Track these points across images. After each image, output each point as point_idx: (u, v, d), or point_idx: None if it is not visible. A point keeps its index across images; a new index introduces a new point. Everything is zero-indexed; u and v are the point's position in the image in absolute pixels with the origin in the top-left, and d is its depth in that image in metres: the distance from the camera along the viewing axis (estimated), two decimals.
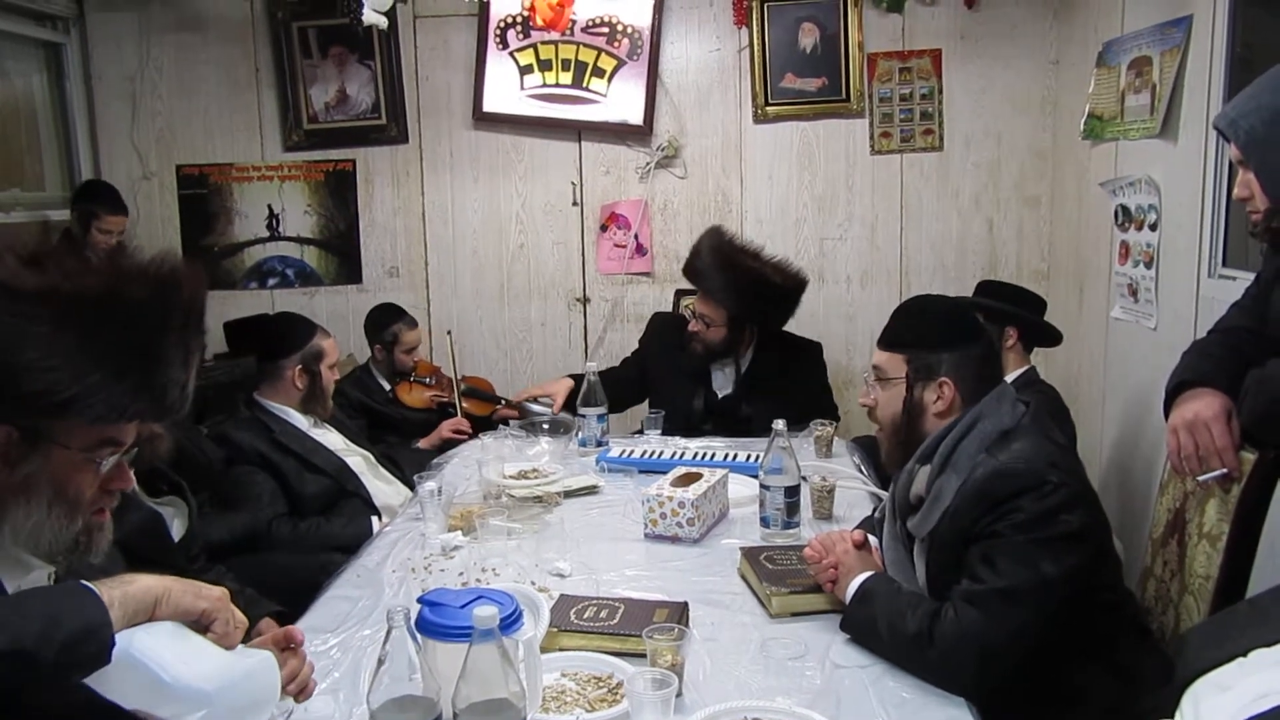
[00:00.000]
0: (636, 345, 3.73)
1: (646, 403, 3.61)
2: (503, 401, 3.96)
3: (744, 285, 3.30)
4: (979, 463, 1.74)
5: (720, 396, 3.45)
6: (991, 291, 3.23)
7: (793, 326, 3.89)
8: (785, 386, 3.37)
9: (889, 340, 1.97)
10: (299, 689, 1.45)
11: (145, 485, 2.38)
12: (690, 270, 3.47)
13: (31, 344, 1.20)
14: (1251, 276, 2.01)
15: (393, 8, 4.15)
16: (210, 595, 1.31)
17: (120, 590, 1.23)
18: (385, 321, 3.89)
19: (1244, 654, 1.08)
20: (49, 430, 1.26)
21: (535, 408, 3.36)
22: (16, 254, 1.24)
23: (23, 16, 4.09)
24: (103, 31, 4.38)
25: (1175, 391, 1.85)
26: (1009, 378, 2.96)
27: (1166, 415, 1.86)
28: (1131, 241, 3.26)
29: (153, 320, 1.28)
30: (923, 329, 1.93)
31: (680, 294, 4.34)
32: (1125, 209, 3.30)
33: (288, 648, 1.45)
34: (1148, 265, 3.14)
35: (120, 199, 3.98)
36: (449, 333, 4.17)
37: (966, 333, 1.92)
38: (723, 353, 3.40)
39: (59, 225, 4.01)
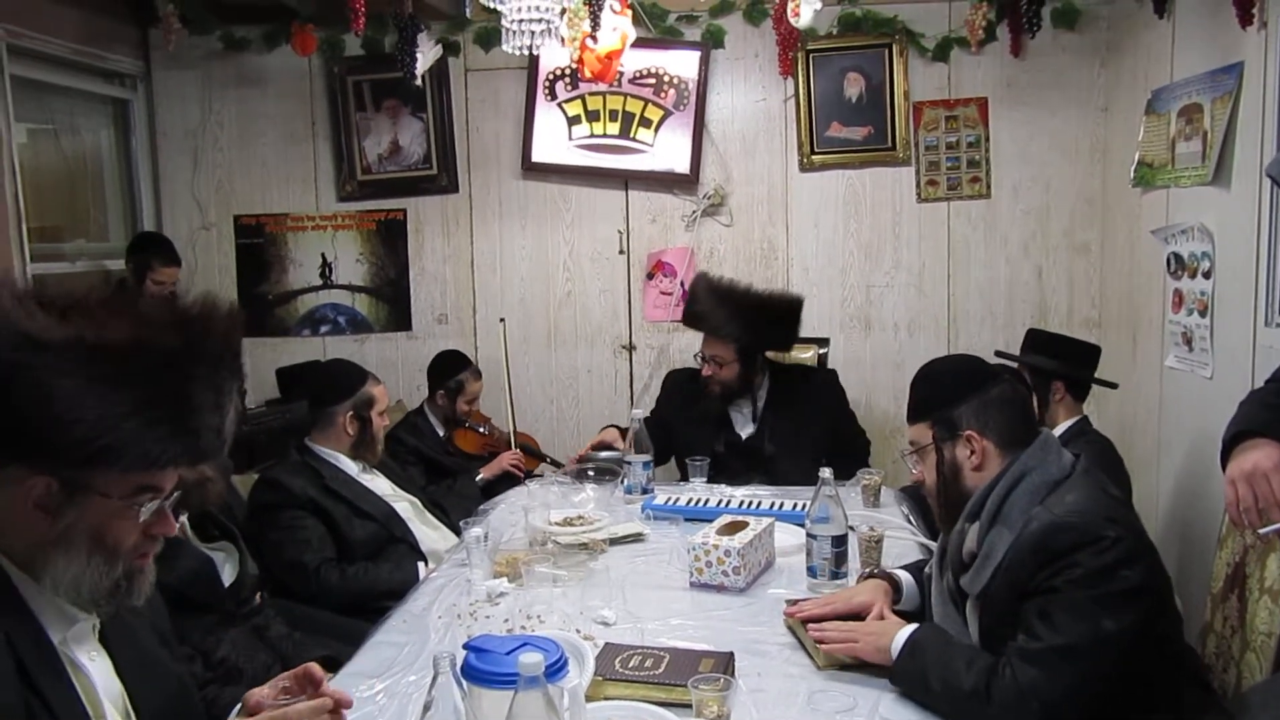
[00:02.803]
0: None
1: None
2: (548, 459, 4.02)
3: (744, 312, 3.35)
4: (1033, 516, 1.72)
5: (743, 438, 3.45)
6: (1040, 342, 3.17)
7: (841, 372, 3.87)
8: (804, 417, 3.40)
9: (912, 412, 1.98)
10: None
11: (197, 530, 2.43)
12: (690, 315, 3.50)
13: (61, 396, 1.21)
14: None
15: (443, 58, 4.28)
16: None
17: None
18: (452, 370, 3.92)
19: None
20: (88, 480, 1.27)
21: (602, 454, 3.36)
22: (42, 305, 1.25)
23: (93, 75, 4.26)
24: (168, 88, 4.53)
25: (1233, 442, 1.81)
26: (1060, 429, 2.92)
27: (1224, 466, 1.82)
28: (1185, 290, 3.21)
29: (179, 367, 1.29)
30: (934, 390, 1.94)
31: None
32: (1178, 256, 3.25)
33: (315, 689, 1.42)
34: (1202, 314, 3.09)
35: (174, 250, 4.06)
36: (501, 319, 4.28)
37: (975, 380, 1.91)
38: (739, 391, 3.42)
39: (117, 275, 4.12)
